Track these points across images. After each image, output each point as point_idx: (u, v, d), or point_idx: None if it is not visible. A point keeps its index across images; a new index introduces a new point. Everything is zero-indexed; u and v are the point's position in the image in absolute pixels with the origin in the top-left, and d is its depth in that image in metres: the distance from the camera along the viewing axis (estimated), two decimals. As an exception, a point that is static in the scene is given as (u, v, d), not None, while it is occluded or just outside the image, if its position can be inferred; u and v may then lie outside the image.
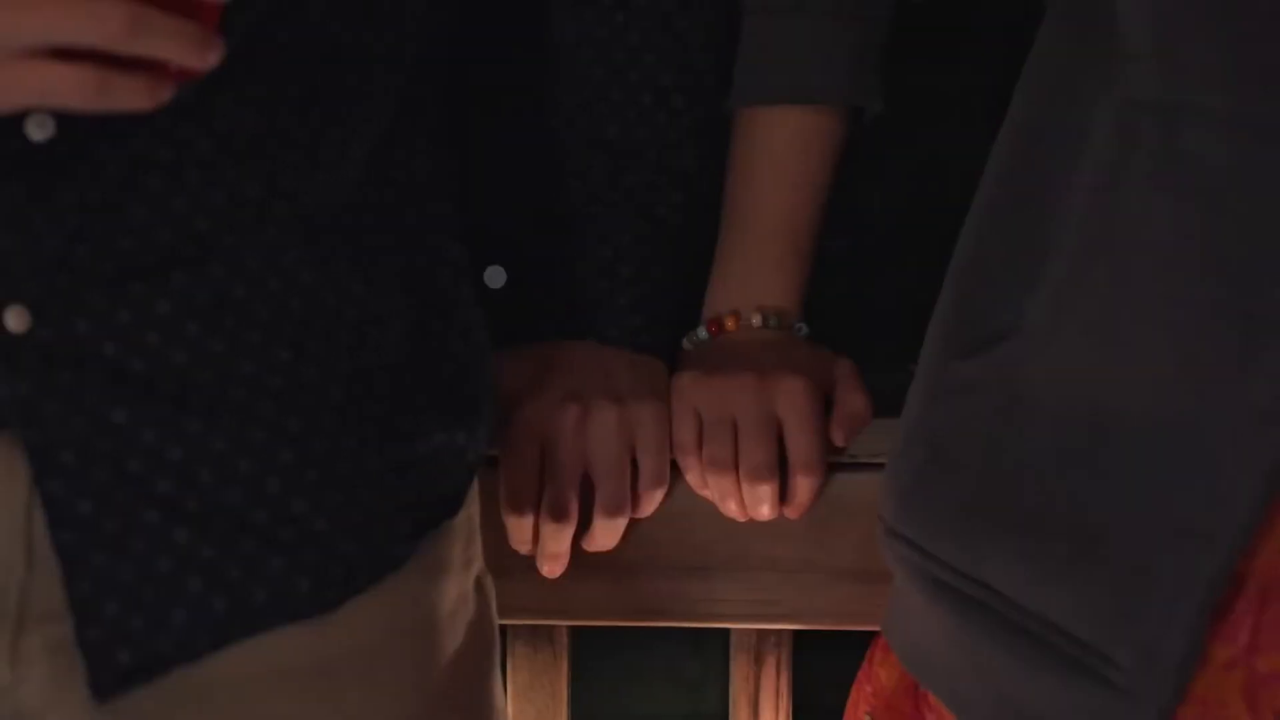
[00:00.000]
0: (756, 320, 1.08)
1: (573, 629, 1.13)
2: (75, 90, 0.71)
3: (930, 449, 0.86)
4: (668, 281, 1.09)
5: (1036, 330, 0.82)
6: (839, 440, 1.05)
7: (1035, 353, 0.82)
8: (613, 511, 1.04)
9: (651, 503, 1.05)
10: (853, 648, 0.95)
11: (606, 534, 1.05)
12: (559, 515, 1.03)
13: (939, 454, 0.85)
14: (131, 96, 0.72)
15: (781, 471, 1.04)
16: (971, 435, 0.84)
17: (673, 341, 1.10)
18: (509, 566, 1.04)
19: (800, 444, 1.04)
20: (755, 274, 1.09)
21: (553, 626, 1.12)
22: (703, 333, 1.09)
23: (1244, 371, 0.74)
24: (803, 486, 1.04)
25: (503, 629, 1.01)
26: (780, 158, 1.08)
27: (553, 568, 1.05)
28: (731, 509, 1.05)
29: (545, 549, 1.05)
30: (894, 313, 0.92)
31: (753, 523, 1.05)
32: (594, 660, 1.32)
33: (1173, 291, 0.76)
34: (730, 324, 1.09)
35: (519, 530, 1.04)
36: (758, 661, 1.12)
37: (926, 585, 0.85)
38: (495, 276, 1.08)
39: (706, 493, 1.05)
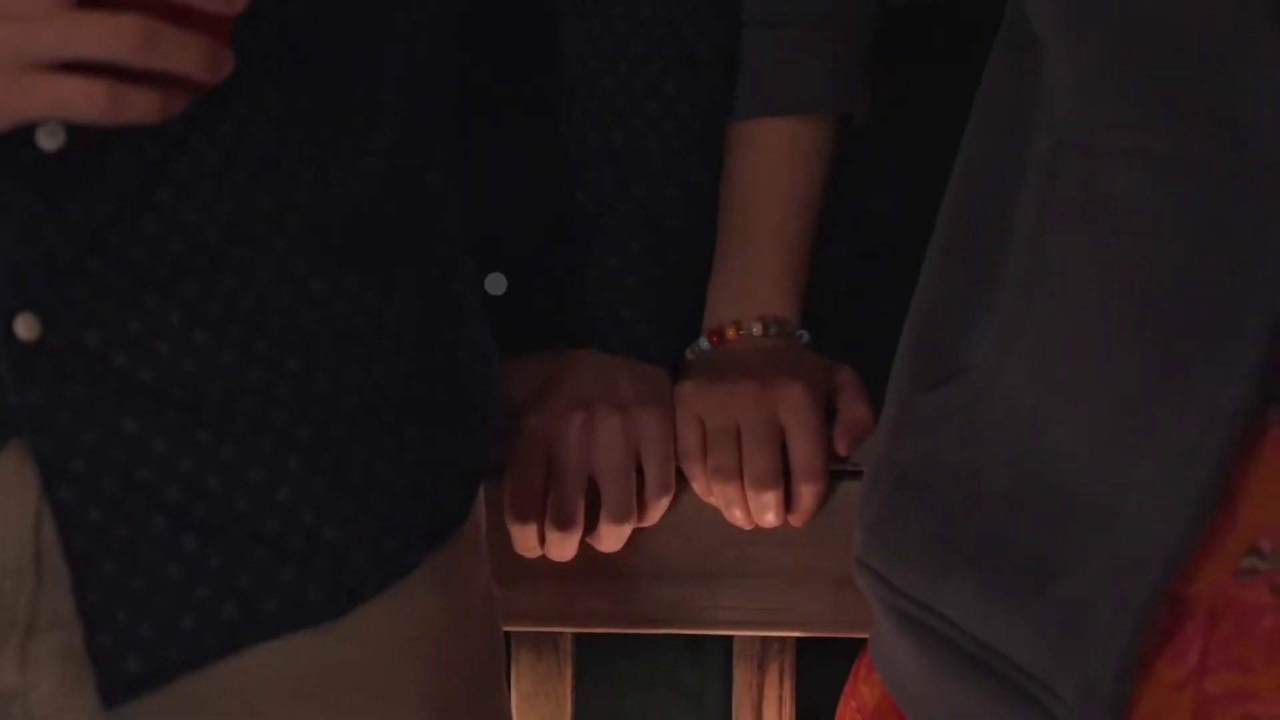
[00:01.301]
0: (757, 329, 1.09)
1: (576, 636, 1.14)
2: (87, 103, 0.71)
3: (895, 481, 0.87)
4: (674, 292, 1.09)
5: (987, 365, 0.83)
6: (842, 449, 1.06)
7: (987, 388, 0.83)
8: (619, 518, 1.04)
9: (657, 510, 1.05)
10: (856, 655, 0.95)
11: (611, 539, 1.05)
12: (565, 523, 1.04)
13: (903, 486, 0.86)
14: (143, 109, 0.72)
15: (785, 479, 1.05)
16: (933, 468, 0.85)
17: (678, 351, 1.10)
18: (513, 574, 1.04)
19: (803, 451, 1.04)
20: (753, 284, 1.09)
21: (557, 633, 1.13)
22: (704, 343, 1.10)
23: (1169, 404, 0.74)
24: (807, 494, 1.04)
25: (507, 635, 1.01)
26: (770, 169, 1.09)
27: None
28: (737, 516, 1.05)
29: (551, 556, 1.05)
30: (894, 320, 0.92)
31: (756, 530, 1.06)
32: (596, 667, 1.32)
33: (1100, 327, 0.77)
34: (731, 334, 1.09)
35: (524, 537, 1.05)
36: (761, 669, 1.13)
37: (892, 615, 0.86)
38: (496, 284, 1.08)
39: (712, 500, 1.06)
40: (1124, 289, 0.76)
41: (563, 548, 1.05)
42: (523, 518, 1.04)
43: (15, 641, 0.81)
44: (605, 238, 1.08)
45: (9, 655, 0.81)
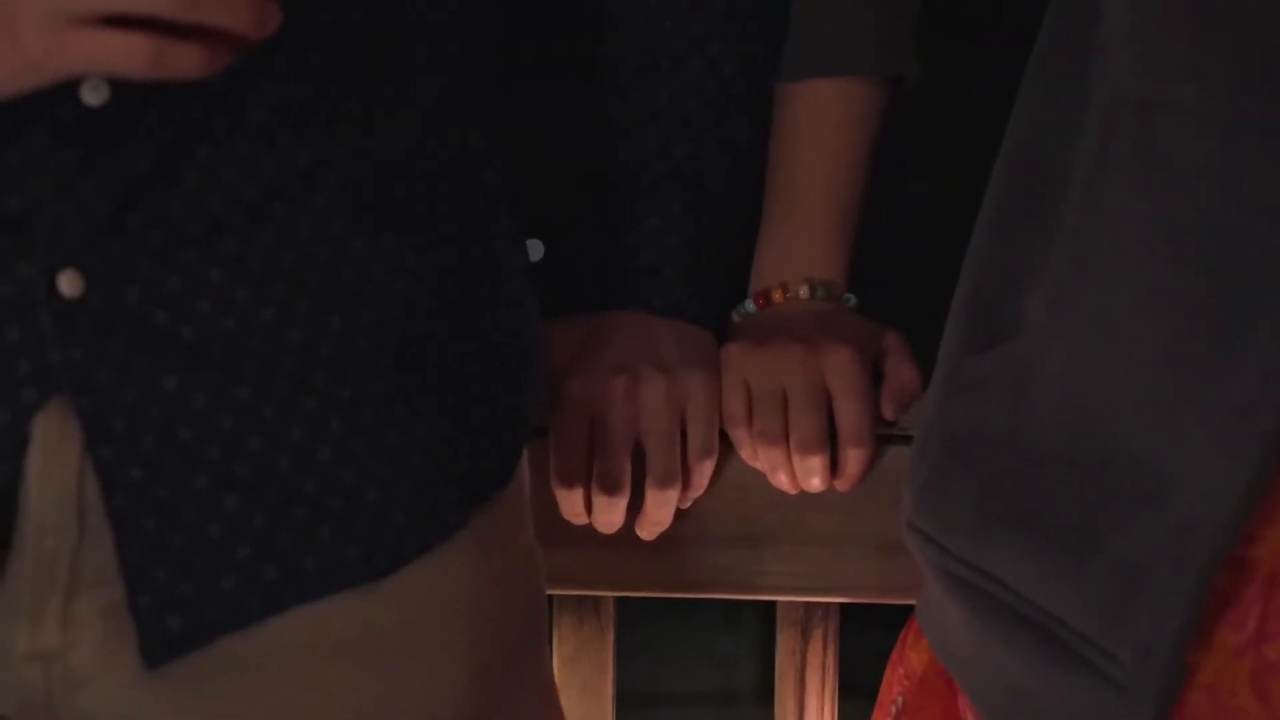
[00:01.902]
0: (804, 292, 1.08)
1: (618, 600, 1.13)
2: (130, 59, 0.71)
3: (945, 443, 0.86)
4: (715, 252, 1.09)
5: (1039, 328, 0.83)
6: (889, 413, 1.05)
7: (1039, 350, 0.82)
8: (665, 483, 1.04)
9: (703, 474, 1.05)
10: (901, 622, 0.95)
11: (659, 507, 1.05)
12: (612, 487, 1.03)
13: (954, 448, 0.86)
14: (187, 65, 0.71)
15: (831, 443, 1.04)
16: (984, 430, 0.84)
17: (720, 312, 1.10)
18: (556, 537, 1.04)
19: (850, 415, 1.04)
20: (801, 246, 1.09)
21: (599, 597, 1.12)
22: (750, 305, 1.09)
23: (1225, 364, 0.74)
24: (853, 458, 1.04)
25: (549, 599, 1.01)
26: (819, 130, 1.08)
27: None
28: (782, 481, 1.05)
29: (599, 521, 1.05)
30: (937, 286, 0.92)
31: (802, 495, 1.05)
32: (631, 634, 1.32)
33: (1155, 286, 0.76)
34: (778, 296, 1.09)
35: (571, 502, 1.04)
36: (805, 635, 1.12)
37: (942, 578, 0.85)
38: (533, 250, 1.08)
39: (757, 464, 1.05)
40: (1179, 247, 0.76)
41: (610, 513, 1.04)
42: (568, 484, 1.04)
43: (58, 600, 0.80)
44: (646, 197, 1.07)
45: (51, 614, 0.81)
